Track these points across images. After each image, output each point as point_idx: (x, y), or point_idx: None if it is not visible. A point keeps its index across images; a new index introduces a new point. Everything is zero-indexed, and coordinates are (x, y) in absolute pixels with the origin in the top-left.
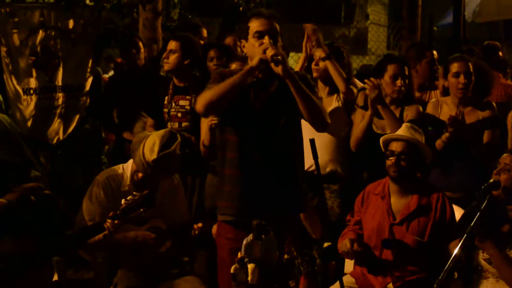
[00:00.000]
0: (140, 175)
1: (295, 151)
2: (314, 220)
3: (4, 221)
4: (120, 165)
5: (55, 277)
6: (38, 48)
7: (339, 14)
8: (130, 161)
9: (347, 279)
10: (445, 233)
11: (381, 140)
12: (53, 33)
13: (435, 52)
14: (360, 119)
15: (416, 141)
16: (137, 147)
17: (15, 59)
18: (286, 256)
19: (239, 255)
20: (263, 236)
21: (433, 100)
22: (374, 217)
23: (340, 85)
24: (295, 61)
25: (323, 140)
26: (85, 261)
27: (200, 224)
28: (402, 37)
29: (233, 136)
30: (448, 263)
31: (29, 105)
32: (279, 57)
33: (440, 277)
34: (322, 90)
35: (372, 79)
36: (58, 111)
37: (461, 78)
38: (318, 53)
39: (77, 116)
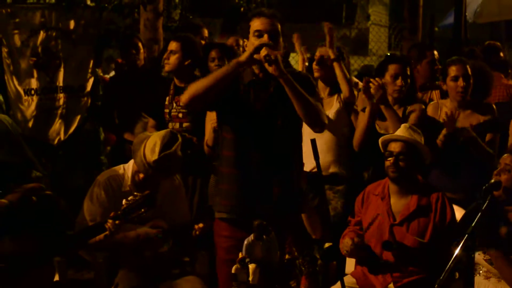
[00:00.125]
0: (141, 175)
1: (294, 151)
2: (314, 220)
3: (5, 222)
4: (121, 166)
5: (56, 277)
6: (39, 49)
7: (340, 15)
8: (131, 162)
9: (348, 279)
10: (445, 234)
11: (380, 140)
12: (54, 34)
13: (435, 52)
14: (360, 119)
15: (415, 141)
16: (138, 148)
17: (16, 59)
18: (287, 256)
19: (240, 255)
20: (264, 236)
21: (433, 102)
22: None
23: (345, 88)
24: (296, 61)
25: (326, 141)
26: (85, 261)
27: (201, 225)
28: (403, 37)
29: (230, 134)
30: (449, 264)
31: (30, 105)
32: (272, 56)
33: (441, 278)
34: (322, 90)
35: (377, 79)
36: (59, 111)
37: (460, 82)
38: (328, 53)
39: (78, 117)
